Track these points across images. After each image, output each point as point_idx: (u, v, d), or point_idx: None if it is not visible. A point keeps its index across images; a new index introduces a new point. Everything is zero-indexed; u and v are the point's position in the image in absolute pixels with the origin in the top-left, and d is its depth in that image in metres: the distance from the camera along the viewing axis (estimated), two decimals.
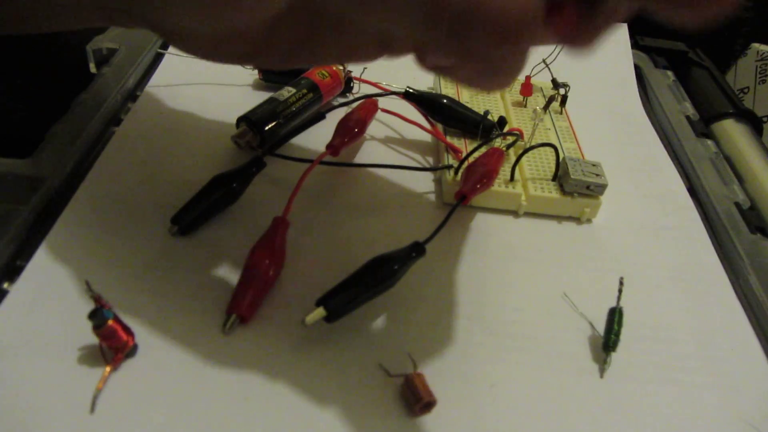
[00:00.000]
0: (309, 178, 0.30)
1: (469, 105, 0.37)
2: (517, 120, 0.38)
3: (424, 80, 0.42)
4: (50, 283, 0.26)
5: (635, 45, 0.51)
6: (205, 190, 0.29)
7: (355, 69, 0.39)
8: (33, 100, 0.43)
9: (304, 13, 0.22)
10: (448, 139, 0.35)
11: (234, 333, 0.25)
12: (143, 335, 0.24)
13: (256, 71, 0.40)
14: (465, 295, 0.28)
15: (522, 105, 0.40)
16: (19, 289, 0.26)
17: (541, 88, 0.41)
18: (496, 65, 0.20)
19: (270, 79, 0.40)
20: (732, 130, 0.44)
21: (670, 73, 0.50)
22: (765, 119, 0.56)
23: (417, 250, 0.27)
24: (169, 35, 0.22)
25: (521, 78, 0.39)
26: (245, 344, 0.25)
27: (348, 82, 0.39)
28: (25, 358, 0.23)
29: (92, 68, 0.40)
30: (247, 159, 0.31)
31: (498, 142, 0.35)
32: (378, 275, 0.25)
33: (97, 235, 0.28)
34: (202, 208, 0.29)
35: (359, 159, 0.35)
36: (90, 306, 0.23)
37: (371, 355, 0.25)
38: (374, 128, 0.38)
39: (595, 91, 0.45)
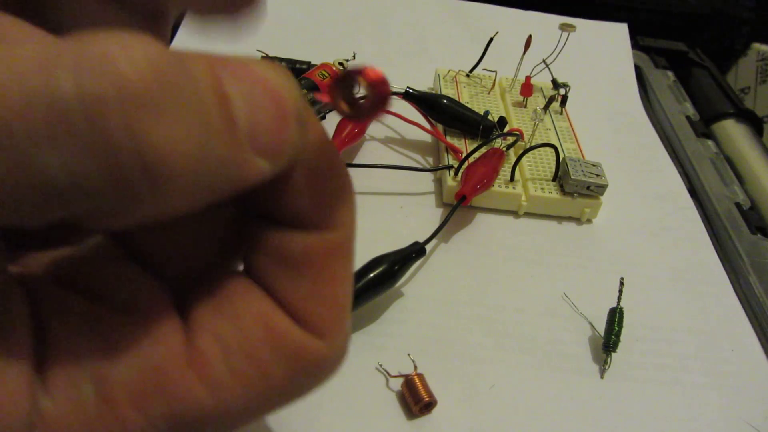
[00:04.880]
0: None
1: (469, 105, 0.37)
2: (517, 120, 0.38)
3: (424, 80, 0.42)
4: None
5: (635, 45, 0.51)
6: None
7: None
8: None
9: None
10: (448, 139, 0.35)
11: None
12: None
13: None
14: (465, 295, 0.28)
15: (522, 105, 0.40)
16: None
17: (542, 89, 0.41)
18: None
19: None
20: (732, 131, 0.44)
21: (670, 73, 0.50)
22: (765, 119, 0.56)
23: (417, 250, 0.27)
24: None
25: (521, 78, 0.39)
26: None
27: None
28: None
29: None
30: None
31: (498, 143, 0.35)
32: (378, 275, 0.25)
33: None
34: None
35: (359, 159, 0.35)
36: None
37: (371, 355, 0.25)
38: (374, 128, 0.38)
39: (595, 91, 0.45)
